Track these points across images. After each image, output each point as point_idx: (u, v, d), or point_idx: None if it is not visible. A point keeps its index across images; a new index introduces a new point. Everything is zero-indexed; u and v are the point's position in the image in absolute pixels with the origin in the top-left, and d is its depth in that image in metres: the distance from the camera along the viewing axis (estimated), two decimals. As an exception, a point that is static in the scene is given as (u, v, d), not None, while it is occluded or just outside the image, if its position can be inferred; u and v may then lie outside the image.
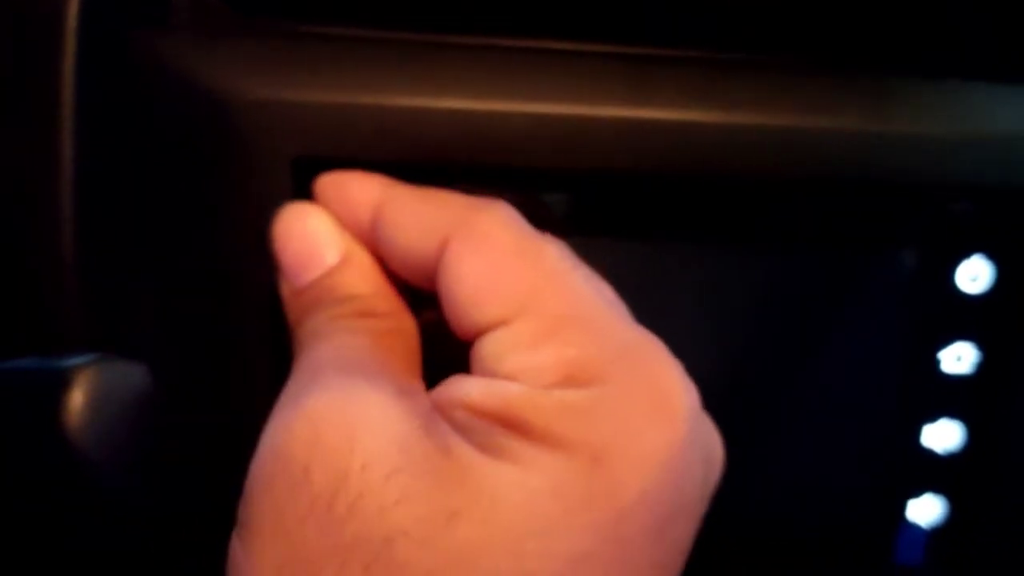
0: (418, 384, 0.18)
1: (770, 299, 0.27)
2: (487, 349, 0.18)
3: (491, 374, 0.17)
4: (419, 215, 0.19)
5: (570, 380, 0.17)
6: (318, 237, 0.21)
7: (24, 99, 0.23)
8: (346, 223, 0.21)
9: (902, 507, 0.29)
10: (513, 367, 0.17)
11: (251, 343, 0.25)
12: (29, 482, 0.18)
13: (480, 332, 0.18)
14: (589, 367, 0.17)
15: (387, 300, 0.20)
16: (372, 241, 0.20)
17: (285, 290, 0.21)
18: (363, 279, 0.20)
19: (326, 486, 0.15)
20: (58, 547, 0.19)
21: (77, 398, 0.18)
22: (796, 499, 0.29)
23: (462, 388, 0.17)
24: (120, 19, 0.25)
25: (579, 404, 0.16)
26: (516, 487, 0.16)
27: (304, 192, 0.24)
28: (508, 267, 0.18)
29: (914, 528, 0.29)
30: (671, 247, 0.26)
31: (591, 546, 0.16)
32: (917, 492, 0.29)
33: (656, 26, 0.27)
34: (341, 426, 0.16)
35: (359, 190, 0.21)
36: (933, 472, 0.29)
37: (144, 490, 0.19)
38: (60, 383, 0.18)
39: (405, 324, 0.20)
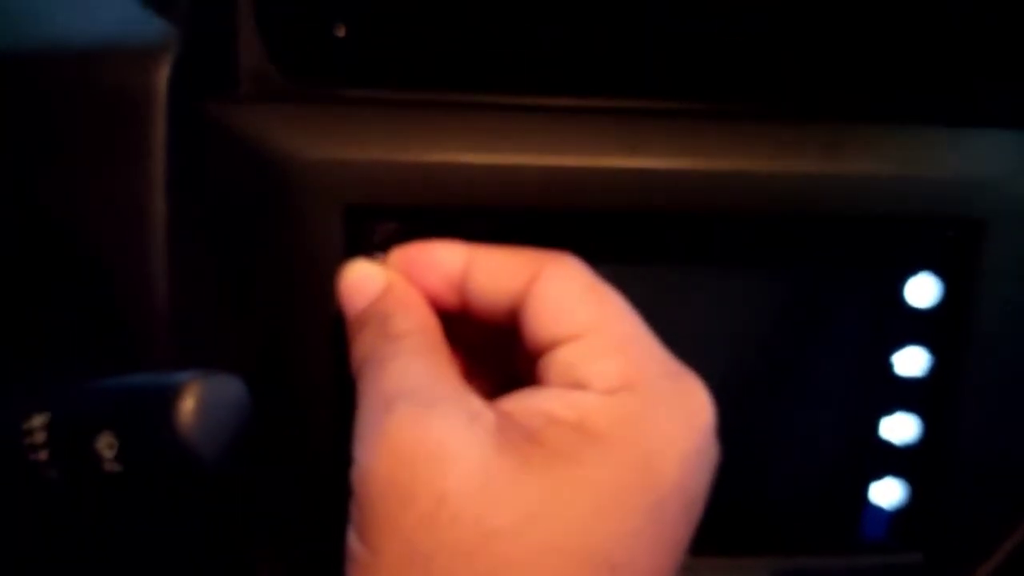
0: (475, 398, 0.22)
1: (747, 316, 0.31)
2: (562, 357, 0.22)
3: (564, 377, 0.22)
4: (509, 261, 0.24)
5: (627, 387, 0.21)
6: (365, 273, 0.25)
7: (121, 162, 0.27)
8: (431, 279, 0.25)
9: (866, 490, 0.33)
10: (584, 373, 0.22)
11: (313, 363, 0.29)
12: (151, 468, 0.23)
13: (556, 343, 0.22)
14: (642, 379, 0.22)
15: (428, 319, 0.25)
16: (456, 291, 0.25)
17: (347, 326, 0.26)
18: (406, 302, 0.25)
19: (429, 505, 0.20)
20: (171, 522, 0.24)
21: (188, 404, 0.22)
22: (773, 485, 0.33)
23: (542, 400, 0.22)
24: (198, 91, 0.29)
25: (635, 411, 0.21)
26: (584, 485, 0.20)
27: (354, 235, 0.28)
28: (586, 296, 0.23)
29: (877, 508, 0.33)
30: (656, 275, 0.30)
31: (640, 525, 0.20)
32: (878, 476, 0.33)
33: (644, 81, 0.32)
34: (431, 460, 0.20)
35: (447, 251, 0.25)
36: (892, 459, 0.32)
37: (239, 477, 0.23)
38: (175, 393, 0.23)
39: (440, 337, 0.25)
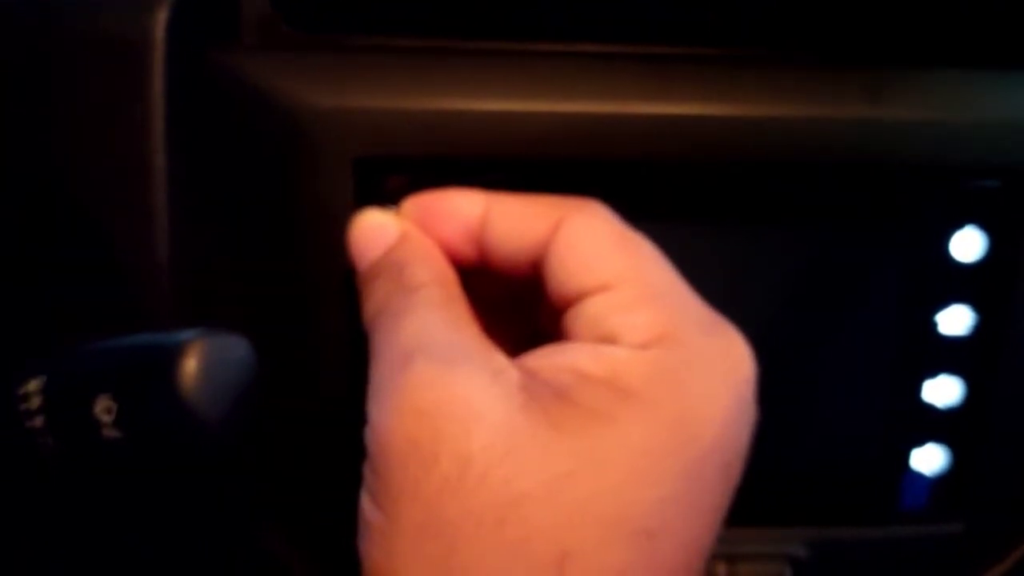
0: (498, 354, 0.20)
1: (785, 272, 0.30)
2: (591, 310, 0.20)
3: (593, 330, 0.20)
4: (530, 208, 0.22)
5: (661, 340, 0.20)
6: (378, 223, 0.24)
7: (119, 113, 0.26)
8: (450, 230, 0.23)
9: (906, 457, 0.31)
10: (614, 326, 0.20)
11: (323, 319, 0.28)
12: (152, 432, 0.22)
13: (584, 295, 0.21)
14: (677, 332, 0.20)
15: (446, 270, 0.23)
16: (474, 242, 0.23)
17: (357, 279, 0.24)
18: (422, 252, 0.23)
19: (454, 467, 0.18)
20: (175, 492, 0.23)
21: (190, 364, 0.21)
22: (812, 451, 0.32)
23: (570, 355, 0.20)
24: (198, 40, 0.28)
25: (670, 366, 0.19)
26: (619, 447, 0.19)
27: (365, 188, 0.27)
28: (616, 244, 0.21)
29: (917, 476, 0.31)
30: (686, 229, 0.29)
31: (675, 489, 0.19)
32: (920, 443, 0.31)
33: (669, 26, 0.30)
34: (456, 420, 0.19)
35: (464, 199, 0.23)
36: (934, 424, 0.31)
37: (243, 436, 0.22)
38: (176, 353, 0.21)
39: (459, 290, 0.23)
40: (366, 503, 0.20)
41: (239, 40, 0.29)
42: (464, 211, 0.23)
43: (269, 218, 0.28)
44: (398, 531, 0.19)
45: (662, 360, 0.20)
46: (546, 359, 0.20)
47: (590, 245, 0.21)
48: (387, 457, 0.19)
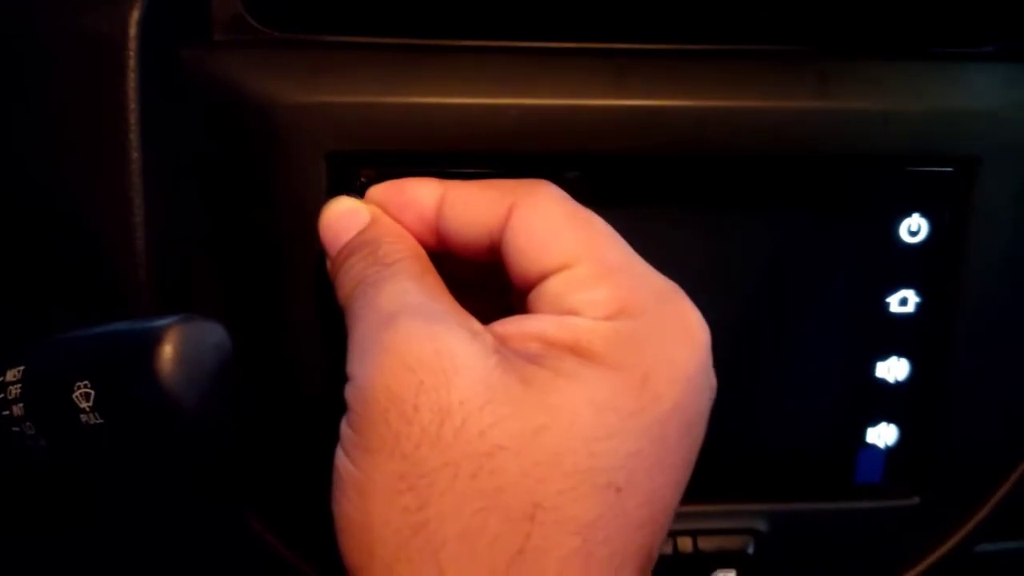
0: (473, 320, 0.21)
1: (742, 259, 0.31)
2: (551, 289, 0.22)
3: (555, 308, 0.21)
4: (483, 194, 0.23)
5: (621, 313, 0.21)
6: (349, 208, 0.25)
7: (93, 109, 0.27)
8: (408, 218, 0.24)
9: (862, 433, 0.33)
10: (575, 302, 0.21)
11: (297, 309, 0.29)
12: (131, 418, 0.22)
13: (544, 275, 0.22)
14: (635, 304, 0.21)
15: (418, 248, 0.24)
16: (432, 229, 0.24)
17: (329, 263, 0.25)
18: (394, 231, 0.24)
19: (433, 419, 0.19)
20: (151, 467, 0.23)
21: (168, 350, 0.22)
22: (771, 429, 0.33)
23: (535, 324, 0.21)
24: (171, 37, 0.28)
25: (630, 333, 0.21)
26: (587, 403, 0.20)
27: (337, 182, 0.28)
28: (569, 224, 0.22)
29: (872, 452, 0.33)
30: (644, 216, 0.30)
31: (640, 445, 0.20)
32: (874, 419, 0.32)
33: (631, 24, 0.31)
34: (438, 372, 0.19)
35: (420, 187, 0.24)
36: (887, 401, 0.32)
37: (220, 422, 0.23)
38: (154, 339, 0.22)
39: (432, 266, 0.24)
40: (342, 460, 0.21)
41: (211, 37, 0.30)
42: (420, 199, 0.24)
43: (243, 212, 0.29)
44: (374, 486, 0.20)
45: (623, 329, 0.21)
46: (514, 326, 0.21)
47: (544, 226, 0.22)
48: (369, 411, 0.20)
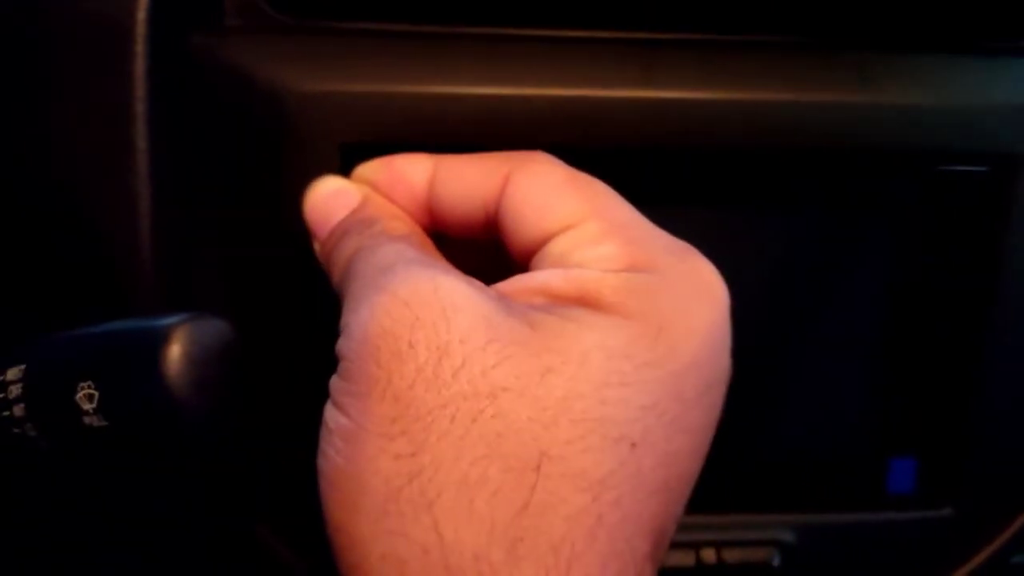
0: (476, 280, 0.20)
1: (772, 258, 0.30)
2: (555, 249, 0.20)
3: (560, 265, 0.20)
4: (476, 166, 0.22)
5: (633, 267, 0.19)
6: (337, 188, 0.24)
7: (101, 96, 0.26)
8: (398, 195, 0.23)
9: (893, 441, 0.31)
10: (582, 258, 0.20)
11: (308, 303, 0.28)
12: (136, 420, 0.21)
13: (547, 238, 0.20)
14: (647, 258, 0.20)
15: (415, 226, 0.23)
16: (423, 207, 0.23)
17: (318, 246, 0.24)
18: (389, 210, 0.23)
19: (430, 357, 0.17)
20: (159, 467, 0.22)
21: (174, 350, 0.21)
22: (799, 437, 0.32)
23: (539, 278, 0.19)
24: (180, 25, 0.27)
25: (643, 284, 0.19)
26: (597, 348, 0.18)
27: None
28: (568, 185, 0.21)
29: (905, 461, 0.31)
30: (679, 213, 0.28)
31: (656, 398, 0.18)
32: (906, 427, 0.31)
33: (659, 13, 0.30)
34: (436, 307, 0.18)
35: (410, 163, 0.23)
36: (920, 409, 0.31)
37: (228, 425, 0.22)
38: (160, 338, 0.21)
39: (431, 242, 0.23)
40: (330, 412, 0.19)
41: (223, 23, 0.29)
42: (410, 176, 0.23)
43: (253, 203, 0.28)
44: (364, 432, 0.18)
45: (634, 280, 0.19)
46: (517, 283, 0.20)
47: (544, 190, 0.21)
48: (360, 352, 0.18)
